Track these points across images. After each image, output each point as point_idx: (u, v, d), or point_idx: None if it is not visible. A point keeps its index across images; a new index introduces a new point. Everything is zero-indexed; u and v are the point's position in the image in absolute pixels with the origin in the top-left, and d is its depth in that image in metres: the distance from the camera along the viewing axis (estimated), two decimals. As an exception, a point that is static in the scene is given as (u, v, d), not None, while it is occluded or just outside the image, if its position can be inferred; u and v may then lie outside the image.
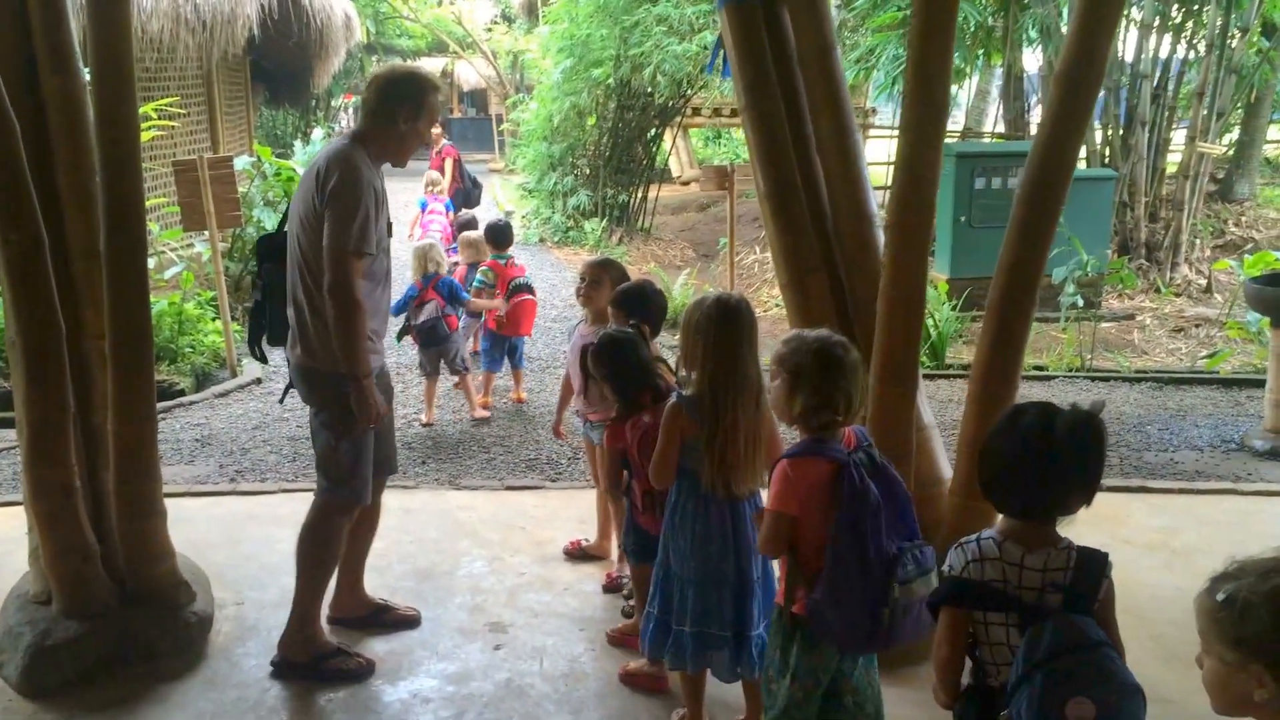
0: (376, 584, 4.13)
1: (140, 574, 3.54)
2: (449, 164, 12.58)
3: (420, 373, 7.07)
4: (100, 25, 3.26)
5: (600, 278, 4.40)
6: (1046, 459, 2.06)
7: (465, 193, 12.77)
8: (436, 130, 14.69)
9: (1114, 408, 7.29)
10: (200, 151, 12.74)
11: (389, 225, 3.51)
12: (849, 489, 2.50)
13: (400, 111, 3.42)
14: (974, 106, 18.13)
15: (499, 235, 7.14)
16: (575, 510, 4.95)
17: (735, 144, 23.89)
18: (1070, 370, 8.17)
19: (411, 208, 12.32)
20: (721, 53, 4.73)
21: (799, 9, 3.97)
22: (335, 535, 3.61)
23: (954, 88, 12.18)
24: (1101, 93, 12.40)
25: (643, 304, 3.91)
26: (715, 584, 3.07)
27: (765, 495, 2.67)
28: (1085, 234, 8.87)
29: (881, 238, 3.97)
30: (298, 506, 4.91)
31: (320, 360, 3.40)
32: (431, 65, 29.69)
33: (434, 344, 6.63)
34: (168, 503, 4.93)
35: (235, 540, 4.51)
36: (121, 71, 3.28)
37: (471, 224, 8.53)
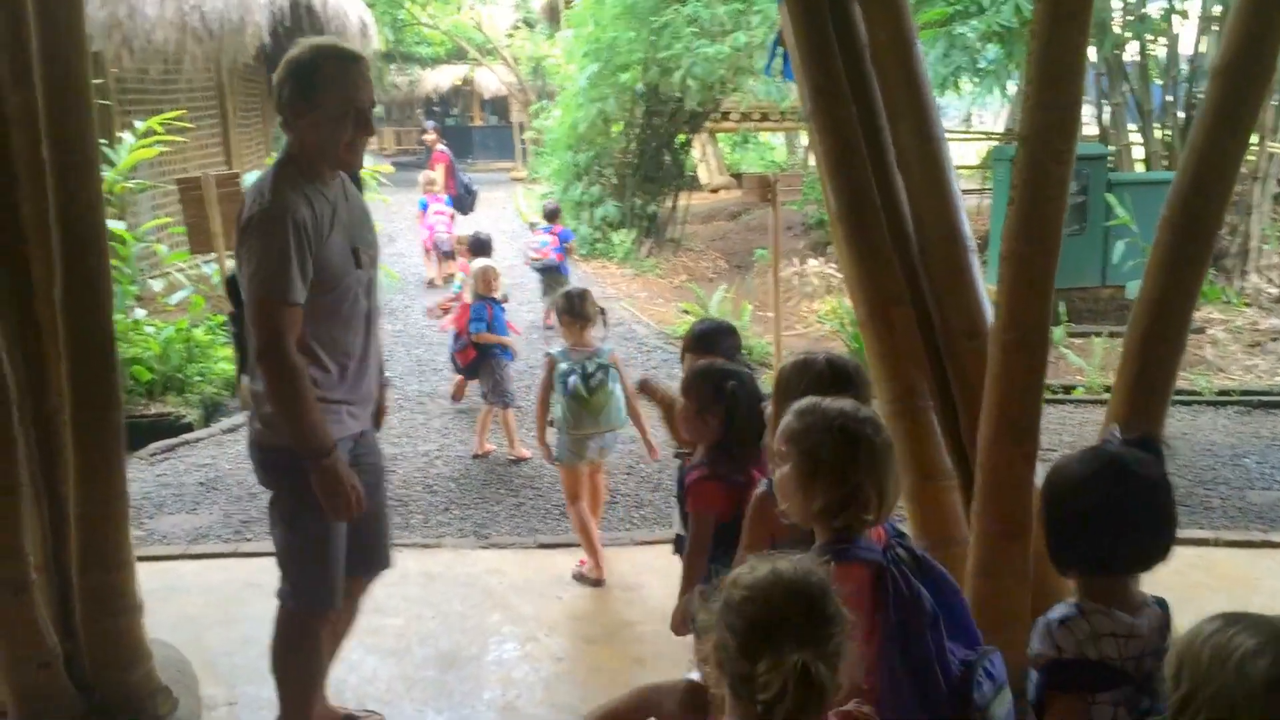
0: (393, 673, 3.58)
1: (110, 680, 2.99)
2: (440, 169, 12.56)
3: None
4: (47, 24, 2.71)
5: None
6: (1120, 504, 1.89)
7: (459, 199, 12.40)
8: (430, 136, 14.24)
9: (1201, 436, 6.65)
10: (213, 167, 12.28)
11: (356, 253, 2.74)
12: (896, 596, 1.99)
13: (299, 103, 2.63)
14: (1015, 107, 17.46)
15: (480, 247, 7.60)
16: (617, 574, 4.37)
17: (763, 149, 23.33)
18: (1146, 391, 7.51)
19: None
20: (780, 51, 4.18)
21: (872, -1, 3.40)
22: (307, 648, 2.95)
23: (994, 89, 11.58)
24: (1158, 89, 11.80)
25: (723, 344, 3.39)
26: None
27: None
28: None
29: (976, 264, 3.41)
30: (305, 571, 4.43)
31: (275, 432, 2.69)
32: (451, 73, 29.32)
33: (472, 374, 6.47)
34: (160, 567, 4.48)
35: (233, 618, 3.95)
36: (74, 83, 2.74)
37: (484, 247, 7.86)
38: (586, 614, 4.02)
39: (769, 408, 2.64)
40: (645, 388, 3.47)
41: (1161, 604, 1.98)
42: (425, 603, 4.11)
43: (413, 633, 3.87)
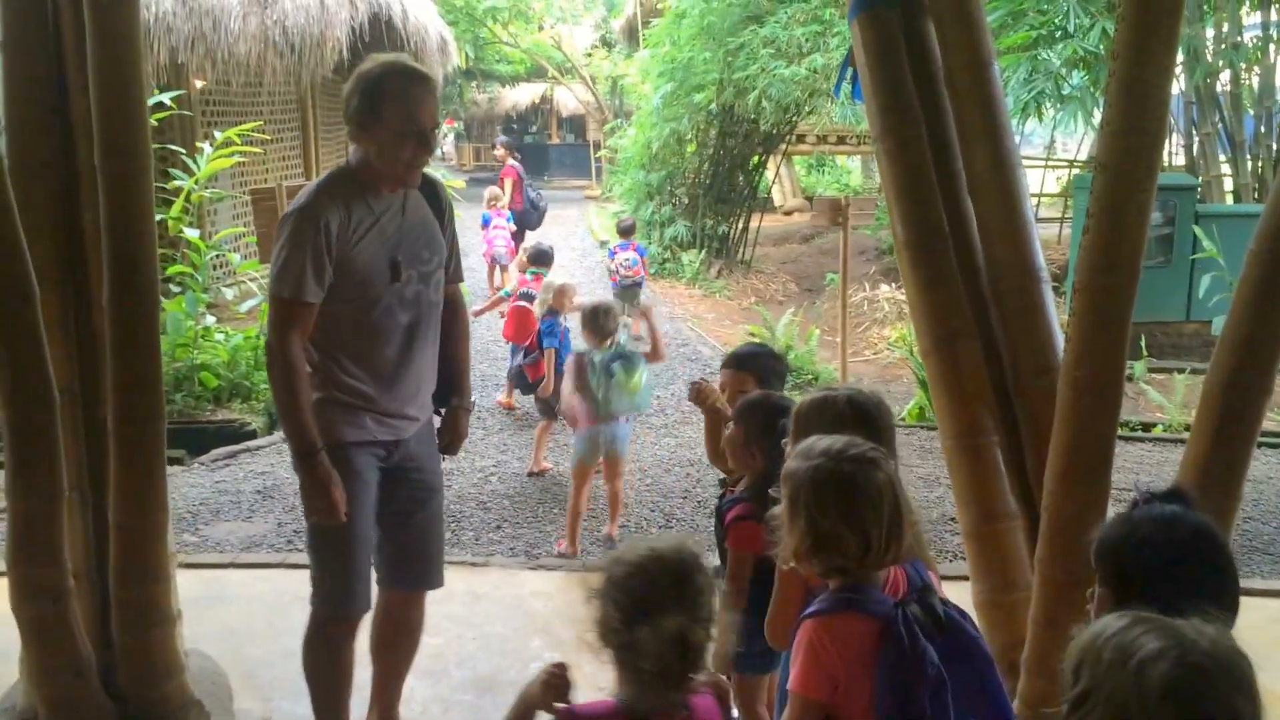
0: (429, 694, 3.51)
1: (142, 692, 2.95)
2: (508, 184, 12.79)
3: (541, 415, 6.65)
4: (101, 29, 2.71)
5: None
6: (1181, 561, 1.72)
7: (523, 214, 12.52)
8: (500, 152, 14.30)
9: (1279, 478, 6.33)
10: (294, 178, 12.49)
11: (396, 265, 2.74)
12: (896, 654, 1.84)
13: (363, 116, 2.69)
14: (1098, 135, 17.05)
15: (541, 258, 7.77)
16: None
17: (838, 172, 23.11)
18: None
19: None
20: (850, 72, 4.05)
21: (947, 18, 3.26)
22: (333, 652, 2.94)
23: (1077, 114, 11.28)
24: (1250, 119, 11.39)
25: (768, 369, 3.26)
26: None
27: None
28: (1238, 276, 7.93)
29: (1050, 296, 3.25)
30: (351, 586, 4.40)
31: None
32: (530, 91, 29.60)
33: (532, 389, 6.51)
34: (208, 575, 4.48)
35: (276, 630, 3.92)
36: (128, 90, 2.73)
37: (544, 258, 7.87)
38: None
39: (788, 446, 2.50)
40: (699, 393, 3.31)
41: None
42: (467, 623, 4.04)
43: (452, 654, 3.79)
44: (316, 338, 2.74)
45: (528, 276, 7.61)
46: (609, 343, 5.06)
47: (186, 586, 4.24)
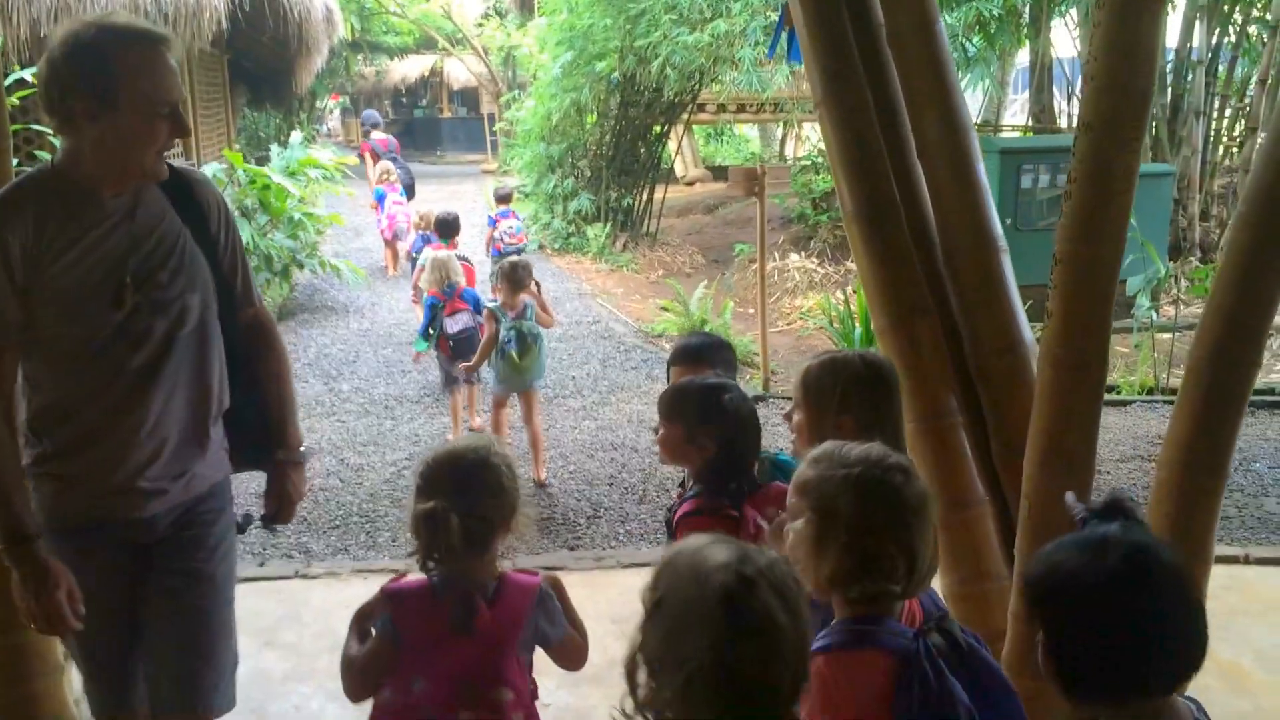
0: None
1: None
2: (368, 157, 13.11)
3: (445, 389, 6.59)
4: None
5: None
6: (1154, 607, 1.45)
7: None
8: (381, 136, 13.95)
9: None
10: (173, 157, 11.76)
11: (121, 289, 2.12)
12: (921, 693, 1.63)
13: (90, 101, 2.04)
14: (989, 98, 17.18)
15: (447, 227, 8.01)
16: (604, 602, 4.00)
17: (737, 141, 23.00)
18: (1145, 392, 7.25)
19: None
20: (785, 33, 3.83)
21: (889, -26, 3.07)
22: None
23: (982, 79, 11.30)
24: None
25: (722, 359, 2.99)
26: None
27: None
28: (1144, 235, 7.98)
29: (1009, 267, 3.07)
30: (259, 603, 4.04)
31: None
32: (420, 63, 28.77)
33: (468, 355, 6.06)
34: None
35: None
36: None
37: (450, 228, 8.09)
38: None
39: (796, 415, 2.32)
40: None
41: (1196, 705, 1.60)
42: (394, 639, 3.74)
43: (380, 676, 3.49)
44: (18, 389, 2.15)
45: (444, 244, 7.77)
46: (519, 299, 5.50)
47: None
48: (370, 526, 5.01)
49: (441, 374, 6.72)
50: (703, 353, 3.02)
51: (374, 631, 2.06)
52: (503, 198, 10.51)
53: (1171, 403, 6.84)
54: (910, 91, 3.12)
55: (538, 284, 5.82)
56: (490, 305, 5.59)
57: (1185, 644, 1.48)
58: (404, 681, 2.02)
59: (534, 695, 2.15)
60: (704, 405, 2.48)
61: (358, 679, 2.08)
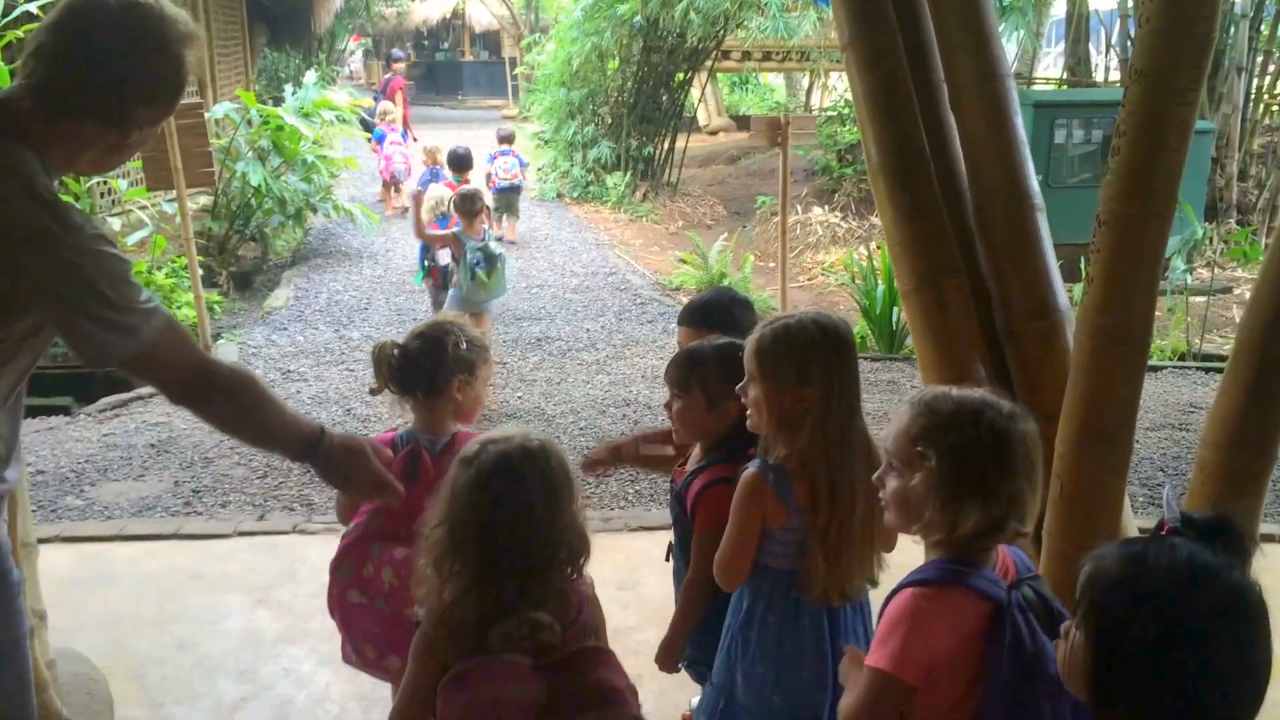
0: (347, 691, 3.07)
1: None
2: (400, 96, 13.28)
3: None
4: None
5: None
6: (1244, 653, 1.28)
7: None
8: (401, 65, 13.73)
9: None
10: (188, 96, 11.58)
11: None
12: (1014, 648, 1.57)
13: (139, 109, 1.83)
14: (1022, 50, 16.69)
15: (460, 161, 8.49)
16: (611, 566, 3.86)
17: (763, 90, 22.57)
18: (1178, 358, 7.03)
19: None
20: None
21: (924, -92, 2.86)
22: None
23: (1018, 28, 10.92)
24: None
25: (730, 319, 2.75)
26: (805, 726, 2.12)
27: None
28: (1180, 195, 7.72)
29: (1045, 225, 2.88)
30: (255, 559, 3.92)
31: None
32: (441, 5, 28.31)
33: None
34: (89, 551, 3.96)
35: (168, 616, 3.45)
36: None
37: (463, 162, 8.61)
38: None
39: (751, 390, 2.11)
40: (590, 469, 2.68)
41: None
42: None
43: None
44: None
45: (454, 181, 7.99)
46: (476, 224, 5.88)
47: (65, 565, 3.78)
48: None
49: (431, 302, 6.92)
50: (706, 313, 2.79)
51: None
52: (504, 138, 11.04)
53: (1205, 369, 6.69)
54: (944, 35, 2.92)
55: (488, 209, 6.38)
56: (454, 230, 5.99)
57: (1250, 702, 1.30)
58: (364, 517, 2.37)
59: None
60: (723, 371, 2.29)
61: (341, 513, 2.48)
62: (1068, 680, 1.42)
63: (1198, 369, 6.74)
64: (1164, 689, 1.29)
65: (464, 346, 2.38)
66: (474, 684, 1.68)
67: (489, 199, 9.58)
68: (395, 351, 2.35)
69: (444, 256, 6.38)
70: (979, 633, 1.60)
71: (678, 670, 2.49)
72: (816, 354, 2.05)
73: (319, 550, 3.96)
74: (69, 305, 1.74)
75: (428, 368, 2.34)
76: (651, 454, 2.70)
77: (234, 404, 1.93)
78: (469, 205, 5.91)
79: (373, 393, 2.39)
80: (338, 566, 2.37)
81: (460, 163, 8.54)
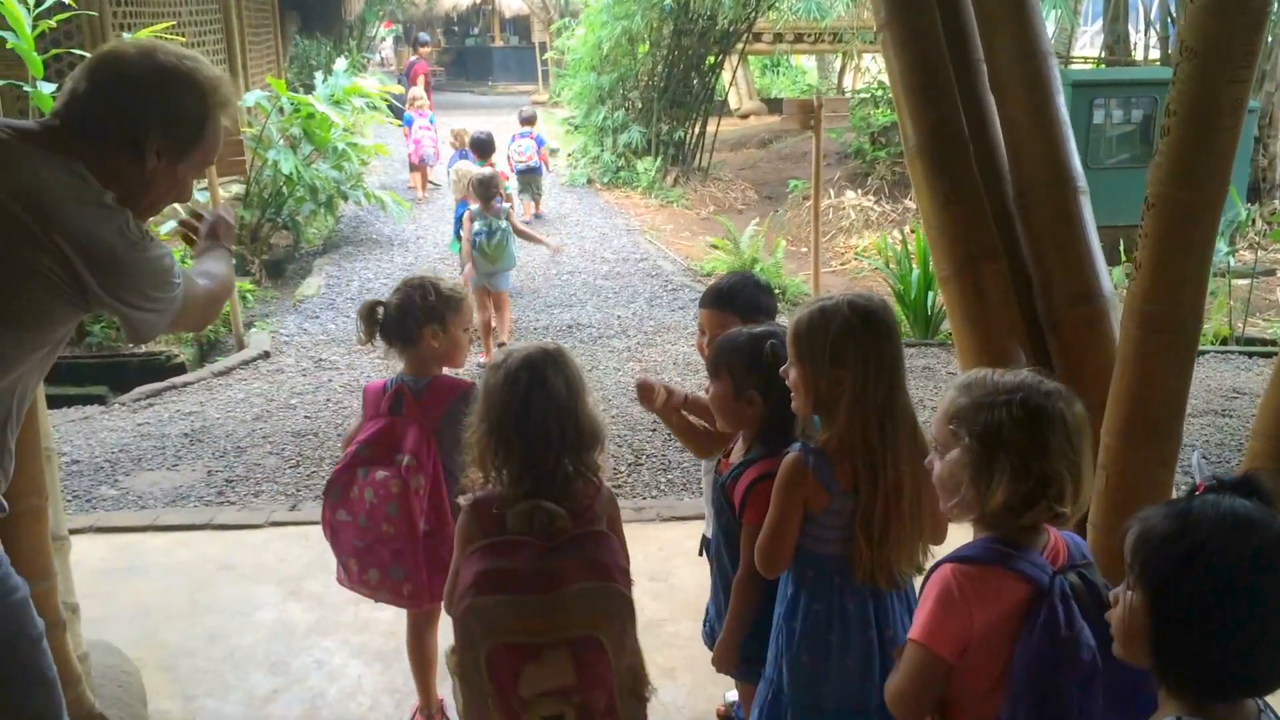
0: (380, 684, 3.06)
1: (29, 710, 2.46)
2: (423, 80, 13.47)
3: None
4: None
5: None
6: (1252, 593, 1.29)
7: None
8: (427, 49, 13.72)
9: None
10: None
11: None
12: (1047, 630, 1.58)
13: (162, 139, 1.90)
14: (1059, 28, 16.40)
15: (483, 146, 8.73)
16: (644, 557, 3.82)
17: (794, 73, 22.38)
18: (1220, 342, 6.88)
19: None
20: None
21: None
22: None
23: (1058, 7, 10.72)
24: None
25: (753, 304, 2.69)
26: (856, 715, 2.09)
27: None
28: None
29: (1088, 210, 2.80)
30: (288, 549, 3.92)
31: None
32: (471, -9, 28.19)
33: None
34: (122, 542, 3.97)
35: (200, 607, 3.45)
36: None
37: (486, 147, 8.76)
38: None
39: (791, 372, 2.09)
40: (642, 394, 2.62)
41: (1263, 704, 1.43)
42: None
43: (404, 629, 3.34)
44: None
45: (479, 165, 8.22)
46: (492, 204, 6.52)
47: (97, 556, 3.79)
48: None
49: (462, 271, 7.20)
50: (728, 296, 2.73)
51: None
52: (526, 119, 11.07)
53: (1249, 353, 6.54)
54: (983, 13, 2.85)
55: (505, 195, 7.06)
56: (471, 209, 6.63)
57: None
58: (355, 446, 2.65)
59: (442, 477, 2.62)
60: (749, 358, 2.27)
61: (346, 441, 2.76)
62: (1126, 646, 1.40)
63: (1240, 353, 6.60)
64: (1224, 640, 1.30)
65: (432, 299, 2.64)
66: (490, 556, 1.94)
67: (513, 181, 10.28)
68: (377, 309, 2.66)
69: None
70: (1016, 614, 1.60)
71: (736, 671, 2.44)
72: (851, 336, 2.01)
73: (350, 540, 3.96)
74: (124, 304, 1.88)
75: (400, 319, 2.64)
76: (691, 420, 2.65)
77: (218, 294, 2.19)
78: (484, 189, 6.59)
79: (361, 344, 2.73)
80: (329, 490, 2.66)
81: (483, 148, 8.77)
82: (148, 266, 1.87)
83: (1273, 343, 7.07)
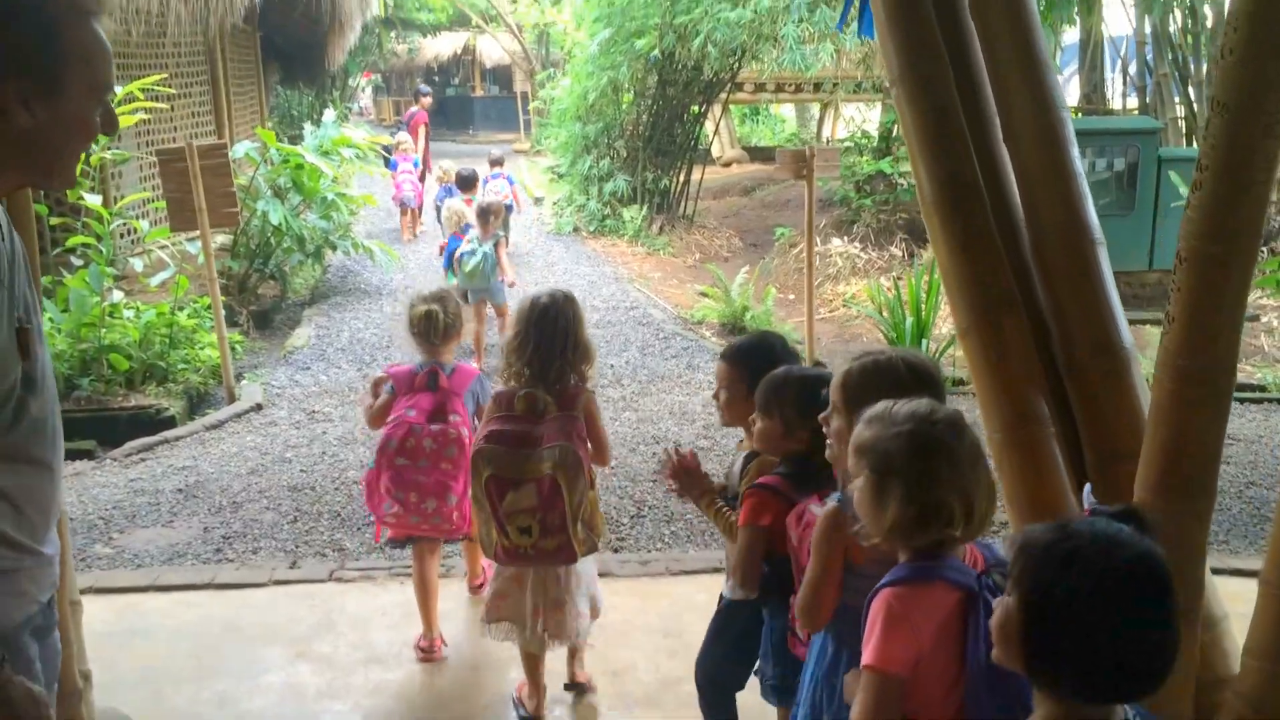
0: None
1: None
2: (422, 130, 13.88)
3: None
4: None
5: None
6: (1157, 615, 1.45)
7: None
8: (428, 99, 13.98)
9: (1277, 439, 6.06)
10: (205, 136, 11.62)
11: (22, 335, 1.57)
12: (987, 628, 1.64)
13: (23, 77, 1.53)
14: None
15: (466, 182, 10.07)
16: (656, 615, 3.77)
17: (773, 121, 22.64)
18: (1211, 388, 6.91)
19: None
20: (856, 3, 3.56)
21: (972, -63, 2.81)
22: None
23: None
24: (1202, 59, 11.11)
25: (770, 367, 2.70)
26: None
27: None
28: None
29: (1105, 260, 2.81)
30: (293, 609, 3.84)
31: None
32: (452, 41, 28.52)
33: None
34: (122, 603, 3.89)
35: (206, 670, 3.37)
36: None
37: (468, 183, 10.03)
38: (624, 667, 3.41)
39: (834, 421, 2.17)
40: (678, 479, 2.69)
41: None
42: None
43: (417, 690, 3.28)
44: None
45: (467, 198, 9.28)
46: (489, 228, 7.51)
47: (99, 618, 3.69)
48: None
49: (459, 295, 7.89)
50: (758, 354, 2.75)
51: (384, 392, 3.51)
52: (495, 161, 11.85)
53: (1239, 399, 6.56)
54: (995, 67, 2.87)
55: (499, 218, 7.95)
56: (472, 233, 7.61)
57: (1162, 662, 1.45)
58: (400, 411, 3.41)
59: (471, 430, 3.36)
60: (803, 399, 2.42)
61: (376, 417, 3.50)
62: (1003, 648, 1.52)
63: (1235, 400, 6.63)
64: (1091, 644, 1.42)
65: (450, 315, 3.54)
66: (498, 423, 2.95)
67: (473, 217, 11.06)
68: (424, 312, 3.49)
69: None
70: (955, 619, 1.75)
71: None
72: (902, 393, 2.01)
73: (357, 599, 3.90)
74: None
75: (447, 326, 3.51)
76: (718, 516, 2.65)
77: None
78: (483, 216, 7.61)
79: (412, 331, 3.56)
80: (383, 446, 3.39)
81: (466, 182, 10.05)
82: None
83: (1261, 388, 7.13)
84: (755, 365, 2.73)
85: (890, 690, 1.75)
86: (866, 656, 1.76)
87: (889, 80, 3.07)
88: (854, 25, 3.54)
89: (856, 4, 3.47)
